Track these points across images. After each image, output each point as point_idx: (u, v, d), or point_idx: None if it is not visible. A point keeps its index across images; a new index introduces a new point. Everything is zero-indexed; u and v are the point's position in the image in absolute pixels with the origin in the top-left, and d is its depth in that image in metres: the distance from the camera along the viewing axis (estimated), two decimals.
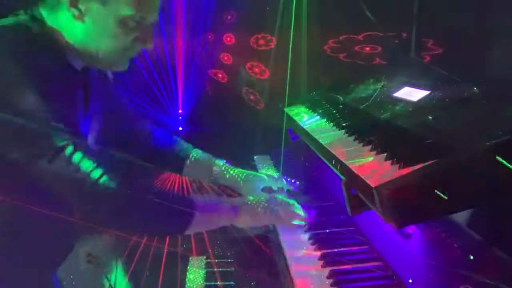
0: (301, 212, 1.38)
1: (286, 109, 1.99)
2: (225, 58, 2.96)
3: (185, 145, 1.71)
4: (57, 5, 1.15)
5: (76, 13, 1.14)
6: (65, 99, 1.16)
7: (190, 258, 1.83)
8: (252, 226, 1.37)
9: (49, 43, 1.16)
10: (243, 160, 2.26)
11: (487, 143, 0.82)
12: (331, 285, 1.21)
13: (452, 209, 0.86)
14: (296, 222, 1.36)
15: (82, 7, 1.13)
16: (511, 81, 1.10)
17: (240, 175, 1.61)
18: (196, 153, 1.67)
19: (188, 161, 1.65)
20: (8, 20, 1.15)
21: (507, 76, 1.22)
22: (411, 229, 1.16)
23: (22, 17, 1.16)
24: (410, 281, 1.12)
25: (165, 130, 1.77)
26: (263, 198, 1.38)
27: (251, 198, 1.38)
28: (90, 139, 1.34)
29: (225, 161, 1.67)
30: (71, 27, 1.16)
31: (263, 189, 1.62)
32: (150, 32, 1.24)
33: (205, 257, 1.85)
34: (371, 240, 1.40)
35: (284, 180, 1.67)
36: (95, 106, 1.38)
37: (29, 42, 1.12)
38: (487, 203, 0.90)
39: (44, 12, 1.18)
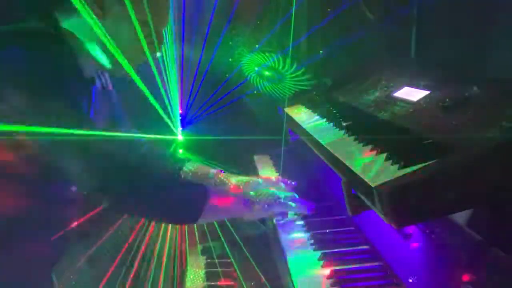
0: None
1: (286, 109, 1.99)
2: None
3: (178, 158, 1.63)
4: (79, 4, 1.18)
5: (98, 11, 1.18)
6: (74, 103, 1.17)
7: (190, 258, 1.83)
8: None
9: (62, 47, 1.18)
10: (243, 160, 2.26)
11: (487, 143, 0.82)
12: (331, 285, 1.21)
13: (452, 209, 0.87)
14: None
15: (105, 5, 1.19)
16: (511, 81, 1.10)
17: (235, 182, 1.56)
18: (188, 166, 1.57)
19: (181, 176, 1.56)
20: (23, 24, 1.16)
21: (507, 76, 1.22)
22: (411, 229, 1.16)
23: (35, 21, 1.18)
24: (410, 281, 1.12)
25: (161, 144, 1.74)
26: (266, 192, 1.38)
27: (254, 193, 1.37)
28: None
29: (220, 169, 1.60)
30: (88, 26, 1.18)
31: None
32: (161, 38, 1.29)
33: (205, 257, 1.85)
34: (371, 240, 1.40)
35: (282, 184, 1.62)
36: (97, 117, 1.36)
37: (43, 46, 1.13)
38: (487, 203, 0.90)
39: (60, 15, 1.20)
